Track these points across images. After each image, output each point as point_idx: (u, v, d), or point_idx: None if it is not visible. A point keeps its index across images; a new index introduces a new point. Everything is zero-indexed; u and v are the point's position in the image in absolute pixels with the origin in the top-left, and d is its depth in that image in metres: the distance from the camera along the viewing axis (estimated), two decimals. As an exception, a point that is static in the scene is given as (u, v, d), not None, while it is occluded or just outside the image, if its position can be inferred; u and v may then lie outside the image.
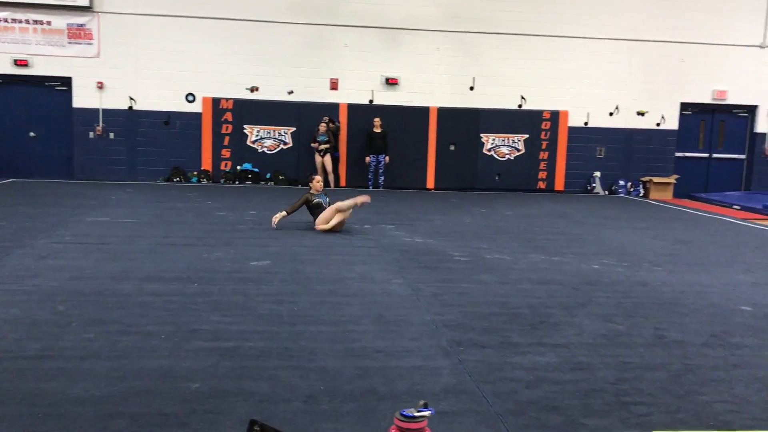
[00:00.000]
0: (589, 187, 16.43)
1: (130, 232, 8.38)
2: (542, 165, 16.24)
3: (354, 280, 6.27)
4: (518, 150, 16.13)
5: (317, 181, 9.23)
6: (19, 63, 14.53)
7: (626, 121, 16.41)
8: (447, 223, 10.22)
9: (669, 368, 4.24)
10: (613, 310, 5.55)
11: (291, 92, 15.35)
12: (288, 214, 8.96)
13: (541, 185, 16.27)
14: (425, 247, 8.08)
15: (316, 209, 9.09)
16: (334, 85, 15.50)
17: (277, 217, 8.88)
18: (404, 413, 2.62)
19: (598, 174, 16.42)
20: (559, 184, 16.31)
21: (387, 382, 3.85)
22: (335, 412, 3.44)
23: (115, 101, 14.96)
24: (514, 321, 5.12)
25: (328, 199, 9.23)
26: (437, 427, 3.27)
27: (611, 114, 16.32)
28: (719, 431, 3.38)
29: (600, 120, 16.33)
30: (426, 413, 2.62)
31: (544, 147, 16.18)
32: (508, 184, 16.10)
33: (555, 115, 16.07)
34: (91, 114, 14.93)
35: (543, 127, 16.10)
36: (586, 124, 16.28)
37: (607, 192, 16.45)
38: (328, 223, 8.82)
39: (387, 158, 15.13)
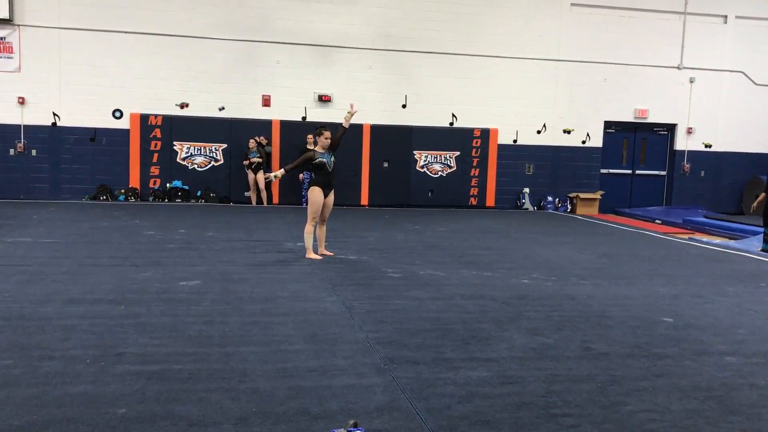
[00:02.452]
0: (519, 203, 16.79)
1: (53, 252, 8.08)
2: (474, 182, 16.52)
3: (287, 298, 6.22)
4: (450, 167, 16.36)
5: (326, 137, 8.28)
6: (-66, 77, 13.91)
7: (553, 138, 16.88)
8: (380, 240, 10.26)
9: (596, 380, 4.35)
10: (542, 323, 5.66)
11: (222, 108, 15.18)
12: (286, 172, 8.23)
13: (473, 201, 16.53)
14: (359, 264, 8.08)
15: (319, 169, 8.26)
16: (266, 102, 15.41)
17: (274, 174, 8.25)
18: None
19: (527, 190, 16.81)
20: (490, 200, 16.61)
21: (320, 401, 3.82)
22: (267, 434, 3.38)
23: (38, 117, 14.46)
24: (447, 337, 5.17)
25: (333, 159, 8.40)
26: (370, 445, 3.27)
27: (539, 132, 16.76)
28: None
29: (528, 138, 16.75)
30: None
31: (475, 164, 16.47)
32: (440, 200, 16.30)
33: (485, 133, 16.39)
34: (11, 130, 14.38)
35: (474, 144, 16.39)
36: (515, 141, 16.66)
37: (536, 208, 16.85)
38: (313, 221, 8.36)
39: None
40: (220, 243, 9.33)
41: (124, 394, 3.81)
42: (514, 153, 16.71)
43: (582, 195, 16.75)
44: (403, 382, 4.17)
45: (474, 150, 16.41)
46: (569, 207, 16.87)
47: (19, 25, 14.18)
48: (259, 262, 8.01)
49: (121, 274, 6.99)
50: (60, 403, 3.67)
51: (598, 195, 16.88)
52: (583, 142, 17.06)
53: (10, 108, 14.33)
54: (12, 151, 14.43)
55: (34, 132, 14.48)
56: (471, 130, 16.34)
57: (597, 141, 17.18)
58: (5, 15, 13.96)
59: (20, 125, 14.39)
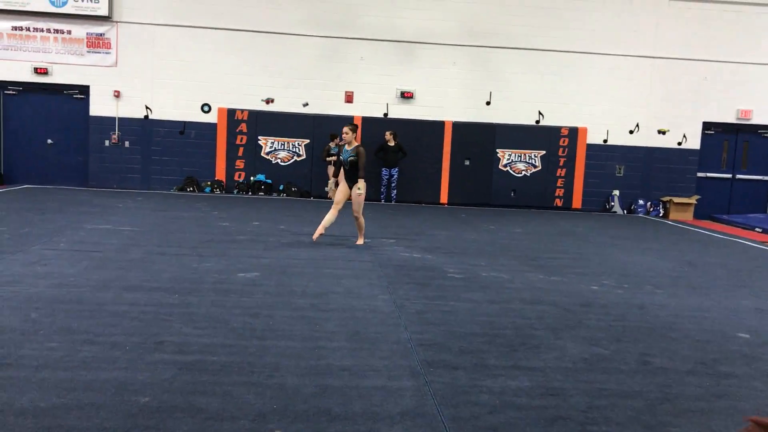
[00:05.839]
0: (607, 206, 16.11)
1: (126, 240, 8.35)
2: (559, 182, 15.98)
3: (339, 294, 6.14)
4: (535, 166, 15.90)
5: (344, 133, 8.96)
6: (39, 71, 14.72)
7: (647, 139, 16.09)
8: (450, 239, 10.04)
9: (646, 396, 4.03)
10: (601, 333, 5.33)
11: (306, 104, 15.34)
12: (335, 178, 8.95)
13: (558, 203, 16.00)
14: (421, 263, 7.91)
15: (336, 164, 9.00)
16: (349, 98, 15.46)
17: (358, 189, 9.00)
18: None
19: (616, 193, 16.11)
20: (577, 202, 16.02)
21: (344, 402, 3.70)
22: (281, 432, 3.30)
23: (131, 110, 15.09)
24: (494, 342, 4.93)
25: (349, 158, 8.94)
26: (382, 452, 3.12)
27: (631, 132, 16.03)
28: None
29: (619, 138, 16.04)
30: None
31: (561, 164, 15.93)
32: (523, 201, 15.87)
33: (573, 132, 15.82)
34: (107, 122, 15.07)
35: (561, 143, 15.85)
36: (605, 141, 16.00)
37: (625, 211, 16.12)
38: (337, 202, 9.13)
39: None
40: (289, 236, 9.38)
41: (152, 383, 3.83)
42: (603, 153, 16.04)
43: (676, 199, 15.88)
44: (436, 387, 3.99)
45: (561, 149, 15.87)
46: (662, 211, 16.04)
47: (117, 22, 14.82)
48: (322, 256, 7.98)
49: (184, 263, 7.12)
50: (89, 387, 3.72)
51: (693, 200, 15.96)
52: (679, 143, 16.17)
53: (107, 101, 15.01)
54: (107, 142, 15.11)
55: (127, 124, 15.11)
56: (558, 129, 15.81)
57: (694, 143, 16.25)
58: (105, 12, 14.63)
59: (115, 117, 15.05)
